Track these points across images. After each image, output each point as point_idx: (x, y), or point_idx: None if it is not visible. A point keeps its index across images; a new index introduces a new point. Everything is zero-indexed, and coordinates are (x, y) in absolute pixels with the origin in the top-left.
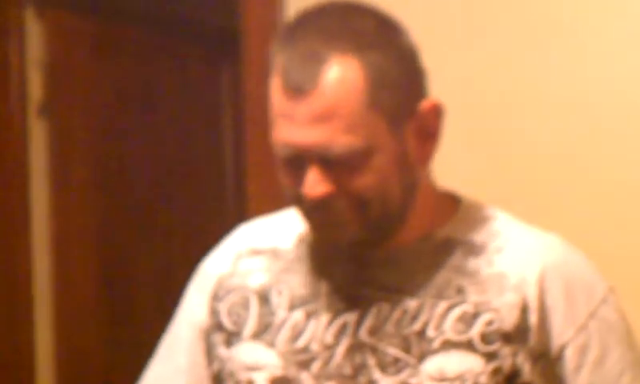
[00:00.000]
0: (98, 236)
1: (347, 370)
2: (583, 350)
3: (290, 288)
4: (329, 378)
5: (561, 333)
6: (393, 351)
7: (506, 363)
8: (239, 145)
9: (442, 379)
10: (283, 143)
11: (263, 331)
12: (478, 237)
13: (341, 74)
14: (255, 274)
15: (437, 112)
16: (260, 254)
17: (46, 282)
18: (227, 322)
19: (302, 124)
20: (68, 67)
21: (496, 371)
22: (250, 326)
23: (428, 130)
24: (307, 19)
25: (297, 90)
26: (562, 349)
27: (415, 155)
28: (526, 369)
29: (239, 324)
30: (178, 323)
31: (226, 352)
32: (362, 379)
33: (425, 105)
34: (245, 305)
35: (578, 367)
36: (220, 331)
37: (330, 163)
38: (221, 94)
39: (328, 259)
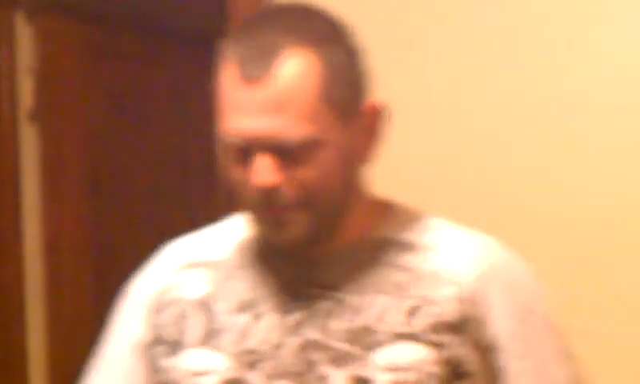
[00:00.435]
0: (89, 241)
1: (298, 367)
2: (518, 342)
3: (234, 294)
4: (280, 376)
5: (495, 325)
6: (341, 346)
7: (453, 353)
8: None
9: (393, 369)
10: (234, 133)
11: (209, 337)
12: (413, 236)
13: (297, 65)
14: (195, 286)
15: (380, 113)
16: (199, 267)
17: (38, 287)
18: (168, 334)
19: (255, 112)
20: (58, 72)
21: (444, 361)
22: (194, 333)
23: (371, 129)
24: (263, 16)
25: (252, 79)
26: (497, 340)
27: (357, 154)
28: (471, 359)
29: (181, 334)
30: (109, 346)
31: (169, 362)
32: (313, 375)
33: (370, 104)
34: (186, 315)
35: (513, 358)
36: (161, 344)
37: (281, 153)
38: (212, 97)
39: (270, 262)
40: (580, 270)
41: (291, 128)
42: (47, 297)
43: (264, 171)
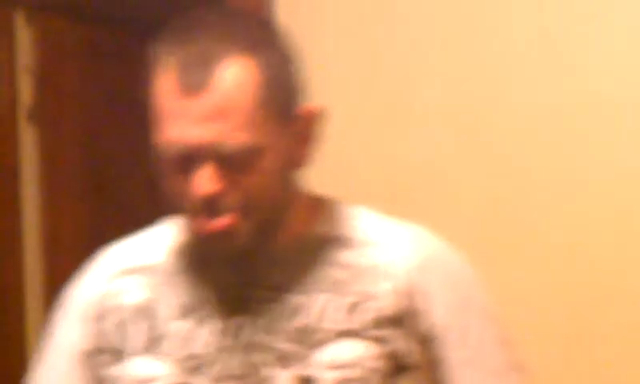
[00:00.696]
0: (88, 239)
1: (242, 369)
2: (458, 331)
3: (173, 300)
4: (225, 379)
5: (436, 316)
6: (285, 346)
7: (395, 347)
8: None
9: (337, 367)
10: (174, 142)
11: (152, 345)
12: (349, 232)
13: (236, 73)
14: (133, 292)
15: (317, 116)
16: (134, 273)
17: (37, 286)
18: (111, 342)
19: (196, 121)
20: (57, 72)
21: (387, 355)
22: (138, 341)
23: (307, 133)
24: (196, 22)
25: (192, 89)
26: (437, 331)
27: (295, 157)
28: (413, 352)
29: (125, 342)
30: (48, 357)
31: (114, 370)
32: (258, 377)
33: (307, 108)
34: (127, 322)
35: (454, 347)
36: (104, 352)
37: (222, 161)
38: None
39: (210, 266)
40: (581, 270)
41: (232, 136)
42: (46, 295)
43: (206, 180)
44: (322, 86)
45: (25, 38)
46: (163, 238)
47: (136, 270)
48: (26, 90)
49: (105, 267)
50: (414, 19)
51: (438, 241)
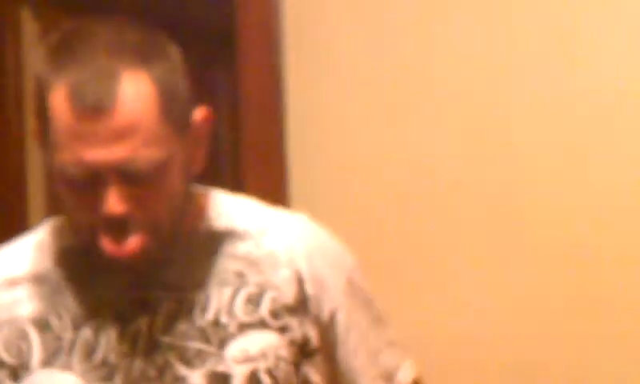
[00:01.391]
0: None
1: (151, 372)
2: (349, 313)
3: (68, 308)
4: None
5: (330, 299)
6: (193, 344)
7: (297, 334)
8: (236, 145)
9: (246, 360)
10: (78, 163)
11: (53, 356)
12: (239, 223)
13: (135, 90)
14: (23, 304)
15: (209, 120)
16: (19, 284)
17: None
18: (8, 357)
19: (101, 142)
20: None
21: (291, 343)
22: (37, 354)
23: (202, 136)
24: (82, 36)
25: (93, 110)
26: (333, 314)
27: (193, 163)
28: (314, 336)
29: (22, 356)
30: None
31: None
32: (169, 378)
33: (200, 114)
34: (22, 336)
35: (347, 329)
36: (1, 368)
37: (129, 180)
38: (217, 94)
39: (101, 271)
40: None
41: (140, 153)
42: None
43: (114, 200)
44: (333, 90)
45: (31, 34)
46: (46, 244)
47: (21, 280)
48: (32, 86)
49: None
50: (416, 20)
51: (321, 228)
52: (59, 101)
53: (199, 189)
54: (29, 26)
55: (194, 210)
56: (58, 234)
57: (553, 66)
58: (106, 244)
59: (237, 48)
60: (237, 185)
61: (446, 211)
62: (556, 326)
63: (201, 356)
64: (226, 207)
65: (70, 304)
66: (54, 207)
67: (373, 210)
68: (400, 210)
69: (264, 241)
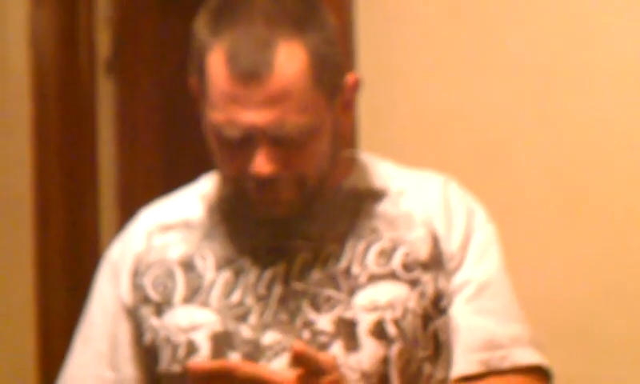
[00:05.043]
0: (162, 192)
1: (283, 316)
2: (476, 275)
3: (213, 252)
4: (267, 326)
5: (454, 245)
6: (323, 291)
7: (429, 288)
8: None
9: (375, 309)
10: (231, 124)
11: (194, 294)
12: (379, 184)
13: (289, 59)
14: (173, 247)
15: (358, 85)
16: (172, 229)
17: (113, 235)
18: (154, 294)
19: (254, 106)
20: (135, 25)
21: (422, 296)
22: (179, 292)
23: (350, 102)
24: (240, 2)
25: (249, 76)
26: (459, 267)
27: (341, 128)
28: (445, 294)
29: (167, 294)
30: (93, 313)
31: (158, 321)
32: (299, 322)
33: (349, 79)
34: (169, 275)
35: (472, 288)
36: (147, 304)
37: (279, 143)
38: None
39: (247, 220)
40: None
41: (291, 118)
42: None
43: (265, 161)
44: (404, 48)
45: None
46: (201, 194)
47: (174, 226)
48: (104, 43)
49: (145, 224)
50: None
51: (463, 188)
52: (217, 64)
53: (345, 152)
54: None
55: (339, 170)
56: (215, 184)
57: (628, 27)
58: (254, 197)
59: None
60: None
61: (517, 173)
62: (618, 288)
63: (330, 302)
64: (368, 169)
65: (215, 247)
66: (125, 147)
67: (443, 168)
68: (469, 168)
69: (401, 201)
